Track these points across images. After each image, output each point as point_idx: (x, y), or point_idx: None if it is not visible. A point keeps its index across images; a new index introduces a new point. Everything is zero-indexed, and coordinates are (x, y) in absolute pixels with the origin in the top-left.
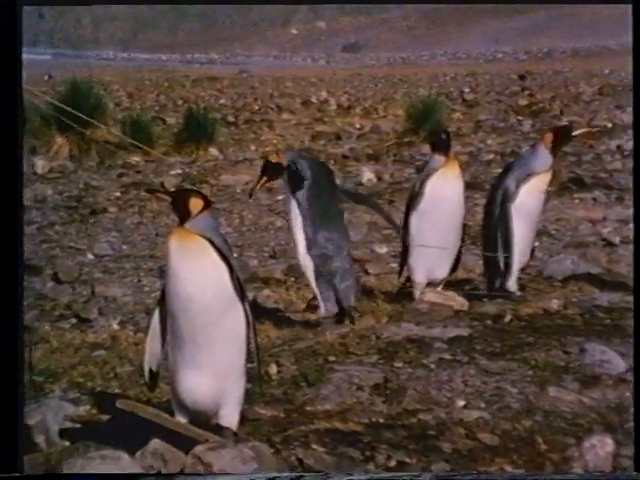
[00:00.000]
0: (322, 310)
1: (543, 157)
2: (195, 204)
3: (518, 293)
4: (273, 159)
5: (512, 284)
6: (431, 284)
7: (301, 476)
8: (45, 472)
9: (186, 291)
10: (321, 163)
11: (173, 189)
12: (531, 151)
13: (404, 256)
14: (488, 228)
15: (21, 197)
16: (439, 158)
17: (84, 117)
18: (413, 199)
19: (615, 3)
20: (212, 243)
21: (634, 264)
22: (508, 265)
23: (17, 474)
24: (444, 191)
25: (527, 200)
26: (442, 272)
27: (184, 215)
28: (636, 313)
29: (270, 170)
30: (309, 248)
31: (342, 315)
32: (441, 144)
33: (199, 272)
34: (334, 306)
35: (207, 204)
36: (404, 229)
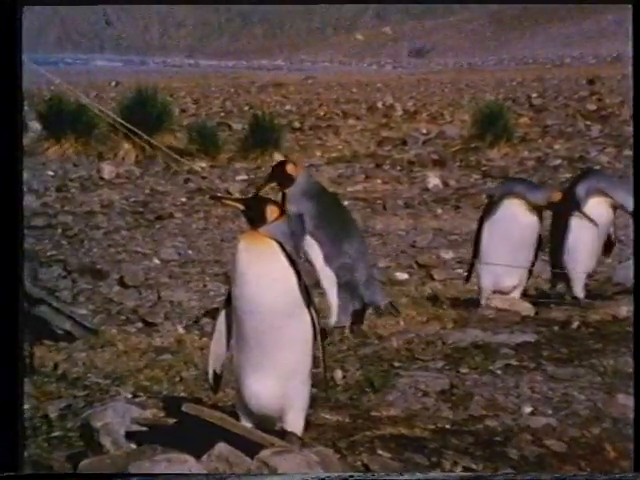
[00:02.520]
0: (333, 320)
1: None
2: (272, 211)
3: (584, 299)
4: (289, 169)
5: (579, 290)
6: (498, 292)
7: (350, 476)
8: (110, 473)
9: (253, 293)
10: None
11: (238, 195)
12: (612, 175)
13: (473, 262)
14: (555, 233)
15: (21, 198)
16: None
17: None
18: (489, 207)
19: (615, 3)
20: (282, 248)
21: (634, 264)
22: (574, 271)
23: (17, 474)
24: (519, 213)
25: (596, 209)
26: (511, 282)
27: (259, 221)
28: (636, 315)
29: (280, 177)
30: (328, 262)
31: (357, 319)
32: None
33: (267, 275)
34: (348, 318)
35: (282, 212)
36: (476, 236)
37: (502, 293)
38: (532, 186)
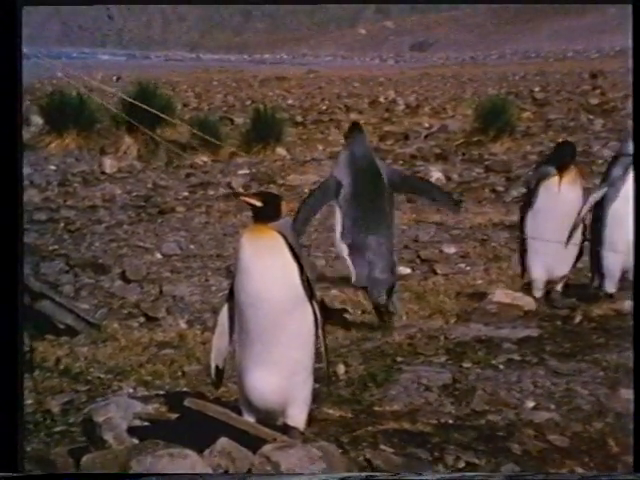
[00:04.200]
0: (353, 278)
1: None
2: (285, 206)
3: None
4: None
5: (611, 285)
6: (550, 282)
7: (372, 476)
8: (115, 470)
9: (256, 287)
10: (367, 170)
11: (241, 189)
12: None
13: (523, 256)
14: (594, 223)
15: (21, 196)
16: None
17: (155, 112)
18: (527, 196)
19: (615, 3)
20: (286, 241)
21: (634, 264)
22: (609, 265)
23: (17, 474)
24: (559, 189)
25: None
26: (562, 269)
27: (273, 216)
28: (636, 313)
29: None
30: (343, 239)
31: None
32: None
33: (270, 268)
34: (364, 280)
35: (290, 207)
36: (520, 229)
37: (554, 283)
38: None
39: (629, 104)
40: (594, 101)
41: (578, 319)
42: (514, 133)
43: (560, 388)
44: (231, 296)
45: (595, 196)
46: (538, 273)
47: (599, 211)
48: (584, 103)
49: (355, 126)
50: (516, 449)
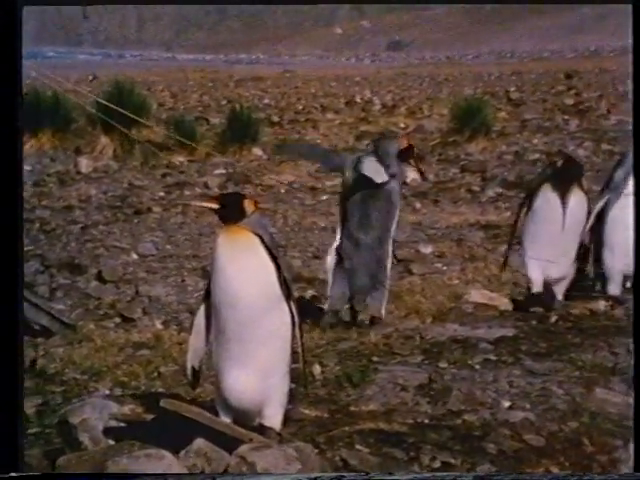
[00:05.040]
0: (327, 305)
1: None
2: (249, 204)
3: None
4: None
5: (613, 287)
6: (548, 282)
7: (342, 476)
8: (91, 471)
9: (233, 287)
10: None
11: (217, 189)
12: None
13: (507, 254)
14: (596, 224)
15: (21, 197)
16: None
17: (130, 115)
18: (526, 197)
19: (615, 3)
20: (262, 241)
21: (634, 264)
22: (612, 267)
23: (17, 474)
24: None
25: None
26: (557, 272)
27: (237, 216)
28: (636, 313)
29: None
30: (337, 247)
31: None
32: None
33: (247, 268)
34: (337, 304)
35: (256, 204)
36: (513, 227)
37: (550, 284)
38: (573, 170)
39: (604, 103)
40: (569, 101)
41: (554, 319)
42: (490, 133)
43: (536, 388)
44: (208, 296)
45: (600, 204)
46: (535, 274)
47: (599, 214)
48: (559, 103)
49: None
50: (492, 449)
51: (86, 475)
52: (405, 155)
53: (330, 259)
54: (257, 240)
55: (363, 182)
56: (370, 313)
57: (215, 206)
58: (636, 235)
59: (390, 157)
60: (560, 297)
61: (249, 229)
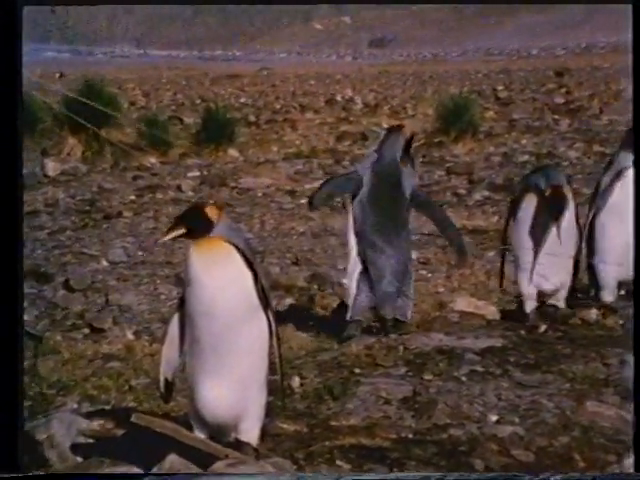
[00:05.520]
0: (348, 314)
1: None
2: (212, 212)
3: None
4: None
5: (606, 294)
6: (542, 295)
7: (340, 477)
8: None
9: (208, 296)
10: (389, 177)
11: (190, 192)
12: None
13: (502, 266)
14: (588, 230)
15: (21, 200)
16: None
17: (103, 109)
18: (512, 206)
19: (615, 3)
20: (237, 248)
21: (634, 265)
22: (604, 274)
23: (17, 474)
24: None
25: (623, 199)
26: (552, 284)
27: (205, 229)
28: (636, 316)
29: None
30: (358, 239)
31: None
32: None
33: (222, 277)
34: (359, 313)
35: (220, 209)
36: (503, 239)
37: (546, 296)
38: (552, 175)
39: (596, 102)
40: (559, 100)
41: (543, 328)
42: (477, 133)
43: (525, 401)
44: (181, 305)
45: (592, 213)
46: (528, 289)
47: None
48: (549, 102)
49: (393, 128)
50: (479, 465)
51: (86, 475)
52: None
53: (352, 267)
54: (231, 248)
55: (382, 183)
56: (396, 316)
57: (183, 230)
58: (636, 237)
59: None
60: (562, 305)
61: (221, 238)
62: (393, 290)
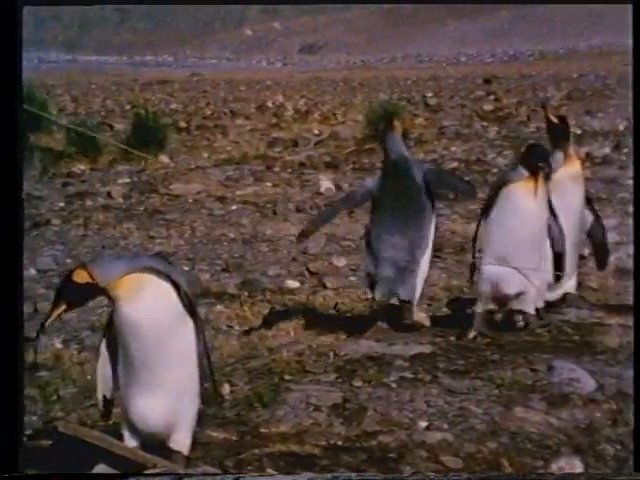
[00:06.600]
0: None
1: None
2: (80, 276)
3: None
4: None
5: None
6: (498, 300)
7: (336, 477)
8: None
9: (134, 320)
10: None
11: (120, 200)
12: None
13: (473, 266)
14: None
15: (22, 199)
16: (522, 171)
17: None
18: (486, 203)
19: (615, 3)
20: (150, 270)
21: (634, 266)
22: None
23: (17, 474)
24: (518, 203)
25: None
26: (512, 288)
27: (84, 291)
28: (636, 324)
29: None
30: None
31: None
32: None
33: (145, 304)
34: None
35: (84, 265)
36: (474, 238)
37: (503, 301)
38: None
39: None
40: (488, 107)
41: (472, 334)
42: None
43: (454, 407)
44: (110, 323)
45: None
46: (485, 289)
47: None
48: (478, 109)
49: (387, 125)
50: (408, 471)
51: (86, 475)
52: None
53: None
54: (142, 277)
55: (394, 180)
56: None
57: (64, 307)
58: (636, 237)
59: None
60: (532, 311)
61: (116, 278)
62: (388, 275)
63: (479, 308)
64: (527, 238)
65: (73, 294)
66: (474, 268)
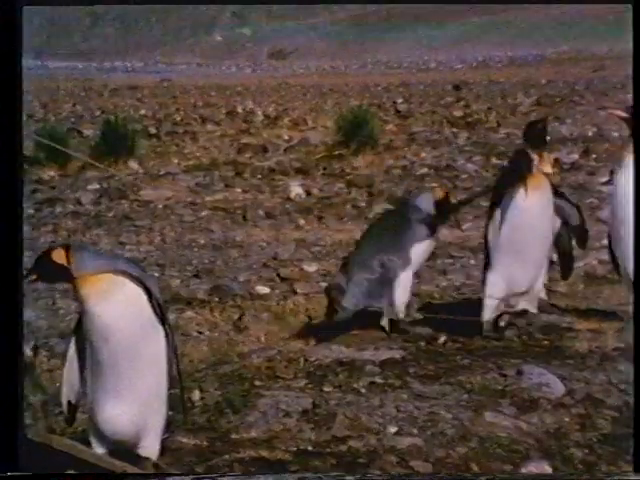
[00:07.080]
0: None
1: None
2: (58, 255)
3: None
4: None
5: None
6: (505, 301)
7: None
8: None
9: (103, 325)
10: None
11: (90, 206)
12: None
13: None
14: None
15: (21, 202)
16: (522, 171)
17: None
18: (491, 208)
19: (615, 3)
20: (122, 273)
21: (634, 265)
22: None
23: (17, 474)
24: (521, 203)
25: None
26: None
27: (59, 271)
28: (636, 325)
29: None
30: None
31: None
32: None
33: (115, 307)
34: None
35: (67, 248)
36: (485, 242)
37: (513, 301)
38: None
39: (493, 116)
40: (458, 113)
41: (442, 339)
42: (376, 146)
43: (423, 412)
44: (79, 327)
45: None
46: (495, 292)
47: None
48: (448, 116)
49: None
50: (377, 476)
51: (86, 475)
52: (442, 207)
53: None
54: (116, 278)
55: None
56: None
57: (34, 277)
58: (636, 236)
59: (424, 212)
60: (534, 310)
61: (91, 272)
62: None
63: (488, 313)
64: (535, 235)
65: (45, 270)
66: (486, 269)
